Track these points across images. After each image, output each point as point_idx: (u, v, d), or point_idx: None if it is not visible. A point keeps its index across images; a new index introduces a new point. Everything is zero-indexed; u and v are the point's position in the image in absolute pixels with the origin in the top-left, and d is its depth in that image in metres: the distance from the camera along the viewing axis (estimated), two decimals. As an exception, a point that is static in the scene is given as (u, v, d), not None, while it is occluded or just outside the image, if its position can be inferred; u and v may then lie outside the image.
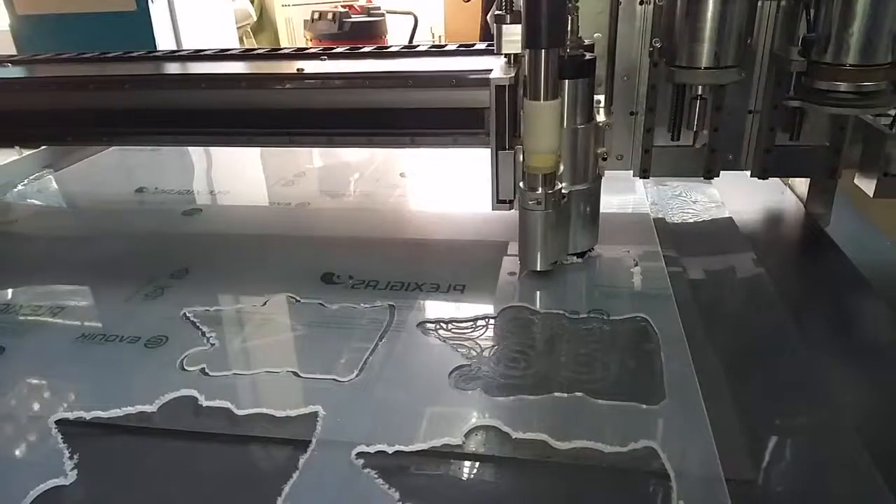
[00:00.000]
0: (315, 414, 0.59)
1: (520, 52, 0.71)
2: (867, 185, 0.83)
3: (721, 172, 0.94)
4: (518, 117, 0.75)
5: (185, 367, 0.66)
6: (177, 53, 1.22)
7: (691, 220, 0.97)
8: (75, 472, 0.54)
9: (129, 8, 2.38)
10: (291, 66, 1.02)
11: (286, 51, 1.16)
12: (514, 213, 0.80)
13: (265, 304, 0.78)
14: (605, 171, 0.83)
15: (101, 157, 1.40)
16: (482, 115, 0.84)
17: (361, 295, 0.79)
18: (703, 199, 1.04)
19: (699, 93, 0.83)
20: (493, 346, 0.69)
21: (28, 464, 0.56)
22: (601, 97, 0.85)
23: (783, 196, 1.04)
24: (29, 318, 0.78)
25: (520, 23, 0.70)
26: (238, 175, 1.31)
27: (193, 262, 0.89)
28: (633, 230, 0.93)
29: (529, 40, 0.68)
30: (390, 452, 0.54)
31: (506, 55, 0.77)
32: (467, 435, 0.56)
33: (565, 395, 0.60)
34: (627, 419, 0.57)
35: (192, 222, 1.06)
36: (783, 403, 0.60)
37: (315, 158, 1.36)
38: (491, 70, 0.78)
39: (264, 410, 0.59)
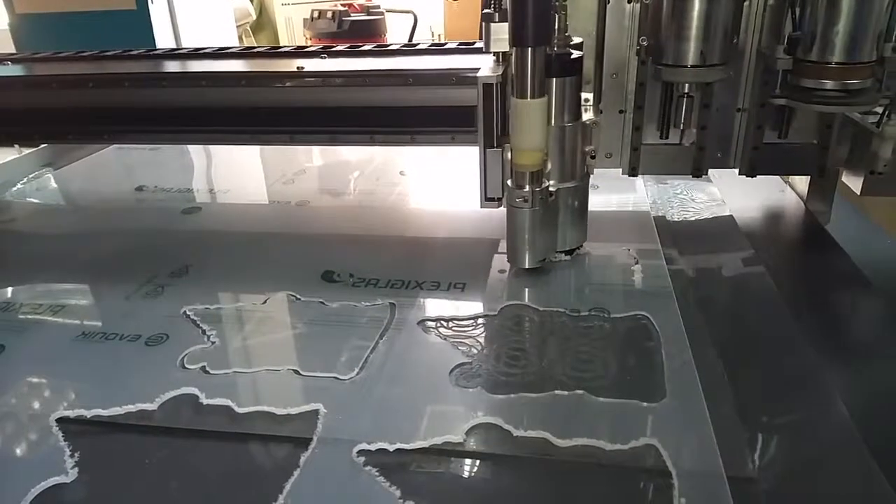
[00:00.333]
0: (316, 412, 0.59)
1: (508, 50, 0.71)
2: (854, 183, 0.83)
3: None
4: (506, 115, 0.75)
5: (186, 366, 0.66)
6: (176, 51, 1.21)
7: (692, 219, 0.97)
8: (76, 469, 0.54)
9: (129, 6, 2.38)
10: (291, 65, 1.02)
11: (286, 49, 1.16)
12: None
13: (265, 302, 0.78)
14: (595, 169, 0.83)
15: (100, 155, 1.40)
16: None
17: (362, 293, 0.79)
18: (703, 197, 1.04)
19: (686, 91, 0.83)
20: (494, 343, 0.69)
21: (29, 462, 0.56)
22: (589, 95, 0.85)
23: (783, 194, 1.04)
24: (29, 316, 0.78)
25: (507, 21, 0.70)
26: (238, 173, 1.31)
27: (193, 260, 0.89)
28: (633, 228, 0.93)
29: (516, 39, 0.68)
30: (391, 450, 0.54)
31: (494, 53, 0.78)
32: (468, 433, 0.56)
33: (566, 392, 0.60)
34: (628, 417, 0.57)
35: (192, 220, 1.05)
36: (784, 401, 0.60)
37: (315, 157, 1.36)
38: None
39: (265, 408, 0.60)
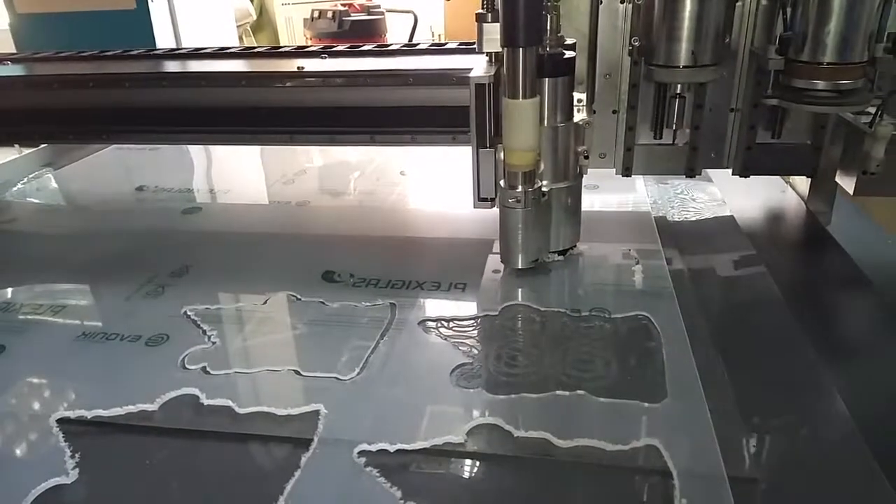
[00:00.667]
0: (316, 412, 0.59)
1: (500, 50, 0.71)
2: (847, 183, 0.83)
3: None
4: (499, 115, 0.75)
5: (187, 366, 0.66)
6: (177, 51, 1.21)
7: (692, 219, 0.97)
8: (77, 470, 0.54)
9: (129, 6, 2.38)
10: (292, 65, 1.02)
11: (286, 49, 1.16)
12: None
13: (266, 302, 0.78)
14: (592, 170, 0.83)
15: (100, 155, 1.40)
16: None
17: (362, 293, 0.79)
18: (704, 197, 1.04)
19: (679, 91, 0.83)
20: (495, 344, 0.69)
21: (30, 462, 0.56)
22: (582, 96, 0.85)
23: (784, 194, 1.04)
24: (30, 316, 0.78)
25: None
26: (238, 173, 1.30)
27: (194, 260, 0.89)
28: (634, 228, 0.93)
29: (506, 39, 0.68)
30: (392, 451, 0.54)
31: (487, 54, 0.78)
32: (469, 433, 0.56)
33: (567, 393, 0.60)
34: (629, 417, 0.57)
35: (193, 221, 1.05)
36: (785, 401, 0.60)
37: (315, 157, 1.36)
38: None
39: (266, 409, 0.59)
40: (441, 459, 0.54)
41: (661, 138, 0.90)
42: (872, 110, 0.77)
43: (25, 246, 1.01)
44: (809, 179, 0.97)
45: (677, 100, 0.83)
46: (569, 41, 0.78)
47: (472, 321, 0.73)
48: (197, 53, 1.17)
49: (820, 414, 0.59)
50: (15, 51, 2.31)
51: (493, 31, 0.72)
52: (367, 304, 0.76)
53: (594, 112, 0.89)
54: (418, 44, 1.15)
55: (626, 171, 0.93)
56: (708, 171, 1.07)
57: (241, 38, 3.61)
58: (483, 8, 0.74)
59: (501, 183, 0.76)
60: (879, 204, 0.95)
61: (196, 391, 0.62)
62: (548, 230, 0.80)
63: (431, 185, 1.18)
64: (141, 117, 1.05)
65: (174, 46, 2.44)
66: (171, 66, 1.12)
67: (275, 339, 0.72)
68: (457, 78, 0.89)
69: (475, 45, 0.78)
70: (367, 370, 0.65)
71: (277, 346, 0.71)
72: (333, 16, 3.30)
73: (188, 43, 2.50)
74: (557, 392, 0.60)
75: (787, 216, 0.99)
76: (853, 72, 0.73)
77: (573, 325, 0.71)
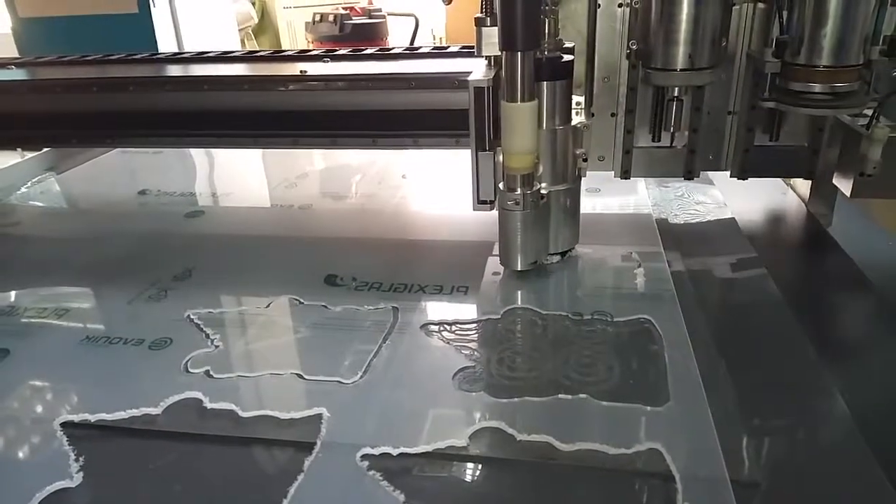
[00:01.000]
0: (319, 416, 0.59)
1: (499, 54, 0.72)
2: (844, 186, 0.83)
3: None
4: (498, 119, 0.75)
5: (190, 370, 0.66)
6: (180, 55, 1.22)
7: (694, 221, 0.97)
8: (81, 474, 0.54)
9: (131, 10, 2.38)
10: (294, 69, 1.02)
11: (289, 53, 1.16)
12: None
13: (269, 306, 0.78)
14: (593, 173, 0.83)
15: (103, 159, 1.40)
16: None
17: (365, 297, 0.79)
18: (705, 199, 1.04)
19: (676, 94, 0.83)
20: (497, 347, 0.69)
21: (34, 466, 0.56)
22: (581, 99, 0.85)
23: (785, 196, 1.04)
24: (33, 320, 0.78)
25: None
26: (240, 177, 1.31)
27: (196, 264, 0.89)
28: (635, 231, 0.93)
29: (505, 43, 0.68)
30: (395, 454, 0.54)
31: (486, 57, 0.78)
32: (472, 437, 0.56)
33: (569, 396, 0.60)
34: (632, 421, 0.57)
35: (195, 224, 1.06)
36: (787, 404, 0.60)
37: (317, 160, 1.36)
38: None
39: (269, 412, 0.60)
40: (443, 463, 0.54)
41: (659, 141, 0.91)
42: (869, 112, 0.77)
43: (29, 249, 1.02)
44: (810, 181, 0.97)
45: (674, 103, 0.84)
46: (567, 45, 0.78)
47: (475, 324, 0.73)
48: (200, 57, 1.18)
49: (822, 417, 0.59)
50: (17, 54, 2.31)
51: (492, 35, 0.73)
52: (370, 307, 0.76)
53: (593, 115, 0.90)
54: (420, 47, 1.16)
55: (625, 174, 0.94)
56: (709, 173, 1.08)
57: (242, 42, 3.61)
58: (482, 12, 0.74)
59: (500, 185, 0.76)
60: (881, 206, 0.95)
61: (199, 395, 0.62)
62: (547, 232, 0.80)
63: (433, 188, 1.18)
64: (145, 121, 1.05)
65: (176, 50, 2.45)
66: (175, 70, 1.12)
67: (277, 342, 0.72)
68: (458, 81, 0.90)
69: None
70: (369, 374, 0.65)
71: (280, 349, 0.71)
72: (335, 19, 3.31)
73: (190, 46, 2.51)
74: (560, 395, 0.61)
75: (789, 218, 0.99)
76: (849, 74, 0.73)
77: (575, 328, 0.71)
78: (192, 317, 0.76)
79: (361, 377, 0.64)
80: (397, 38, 3.52)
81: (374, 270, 0.85)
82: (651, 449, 0.54)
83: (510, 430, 0.56)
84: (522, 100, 0.70)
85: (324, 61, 1.08)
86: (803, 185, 1.00)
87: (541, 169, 0.76)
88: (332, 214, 1.09)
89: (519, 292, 0.79)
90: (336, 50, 1.15)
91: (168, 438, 0.58)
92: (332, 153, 1.38)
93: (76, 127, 1.09)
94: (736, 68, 0.86)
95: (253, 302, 0.79)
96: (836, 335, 0.73)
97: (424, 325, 0.73)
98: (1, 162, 1.39)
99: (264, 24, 4.05)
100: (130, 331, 0.74)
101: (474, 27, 0.76)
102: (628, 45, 0.84)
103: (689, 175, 0.92)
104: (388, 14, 3.49)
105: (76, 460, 0.55)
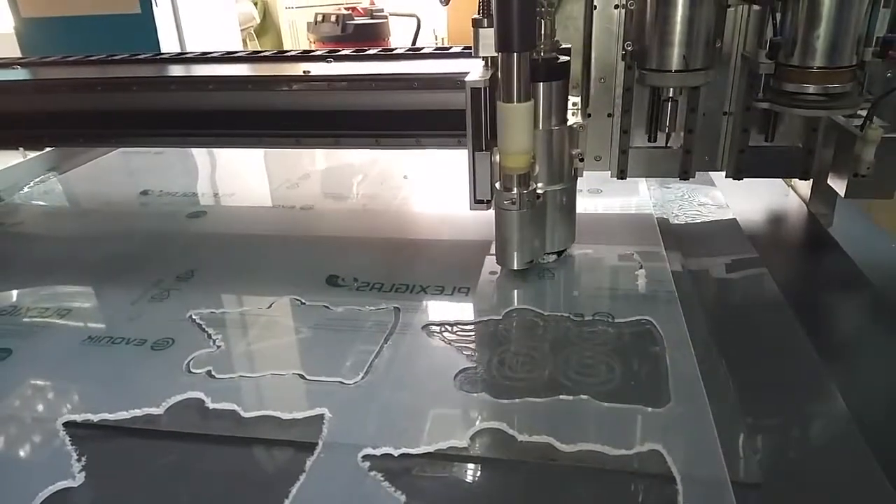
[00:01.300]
0: (321, 416, 0.59)
1: (495, 54, 0.72)
2: (839, 186, 0.84)
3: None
4: (495, 119, 0.76)
5: (192, 370, 0.67)
6: (183, 55, 1.22)
7: (695, 222, 0.97)
8: (83, 473, 0.54)
9: (133, 10, 2.39)
10: (297, 69, 1.03)
11: (292, 53, 1.17)
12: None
13: (270, 306, 0.79)
14: (590, 173, 0.84)
15: (105, 159, 1.40)
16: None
17: (366, 297, 0.79)
18: (706, 200, 1.04)
19: (671, 95, 0.83)
20: (499, 348, 0.69)
21: (36, 466, 0.56)
22: (577, 99, 0.85)
23: (786, 197, 1.04)
24: (36, 319, 0.78)
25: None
26: (242, 178, 1.31)
27: (199, 264, 0.89)
28: (636, 232, 0.93)
29: (501, 44, 0.69)
30: (396, 455, 0.54)
31: (483, 58, 0.78)
32: (473, 437, 0.56)
33: (570, 397, 0.61)
34: (633, 422, 0.57)
35: (197, 224, 1.06)
36: (788, 406, 0.60)
37: (319, 161, 1.37)
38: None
39: (270, 413, 0.60)
40: (445, 463, 0.54)
41: (655, 141, 0.91)
42: (863, 113, 0.77)
43: (32, 249, 1.02)
44: (811, 182, 0.97)
45: (669, 103, 0.84)
46: (564, 46, 0.79)
47: (476, 325, 0.73)
48: (203, 57, 1.18)
49: (823, 418, 0.59)
50: (20, 54, 2.32)
51: (489, 36, 0.73)
52: (371, 308, 0.77)
53: (589, 115, 0.90)
54: (422, 48, 1.16)
55: (621, 174, 0.94)
56: (711, 174, 1.08)
57: (244, 42, 3.62)
58: (479, 13, 0.75)
59: (497, 185, 0.77)
60: (882, 206, 0.95)
61: (201, 395, 0.62)
62: (543, 231, 0.81)
63: (434, 189, 1.18)
64: (149, 121, 1.06)
65: (179, 50, 2.46)
66: (178, 70, 1.13)
67: (279, 343, 0.73)
68: (461, 82, 0.90)
69: (475, 50, 0.78)
70: (371, 374, 0.65)
71: (282, 350, 0.71)
72: (337, 19, 3.32)
73: (192, 47, 2.52)
74: (561, 396, 0.61)
75: (790, 219, 1.00)
76: (843, 75, 0.74)
77: (576, 329, 0.71)
78: (194, 317, 0.76)
79: (363, 378, 0.64)
80: (399, 38, 3.52)
81: (376, 271, 0.85)
82: (652, 450, 0.54)
83: (511, 431, 0.57)
84: (519, 100, 0.71)
85: (327, 61, 1.08)
86: (804, 186, 1.00)
87: (537, 169, 0.77)
88: (333, 215, 1.09)
89: (520, 293, 0.79)
90: (339, 50, 1.15)
91: (170, 438, 0.59)
92: (333, 154, 1.38)
93: (81, 126, 1.10)
94: (731, 70, 0.86)
95: (255, 302, 0.80)
96: (836, 335, 0.74)
97: (426, 326, 0.73)
98: (3, 162, 1.39)
99: (266, 24, 4.06)
100: (132, 331, 0.74)
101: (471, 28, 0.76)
102: (624, 47, 0.84)
103: (685, 175, 0.92)
104: (390, 14, 3.50)
105: (78, 460, 0.55)
